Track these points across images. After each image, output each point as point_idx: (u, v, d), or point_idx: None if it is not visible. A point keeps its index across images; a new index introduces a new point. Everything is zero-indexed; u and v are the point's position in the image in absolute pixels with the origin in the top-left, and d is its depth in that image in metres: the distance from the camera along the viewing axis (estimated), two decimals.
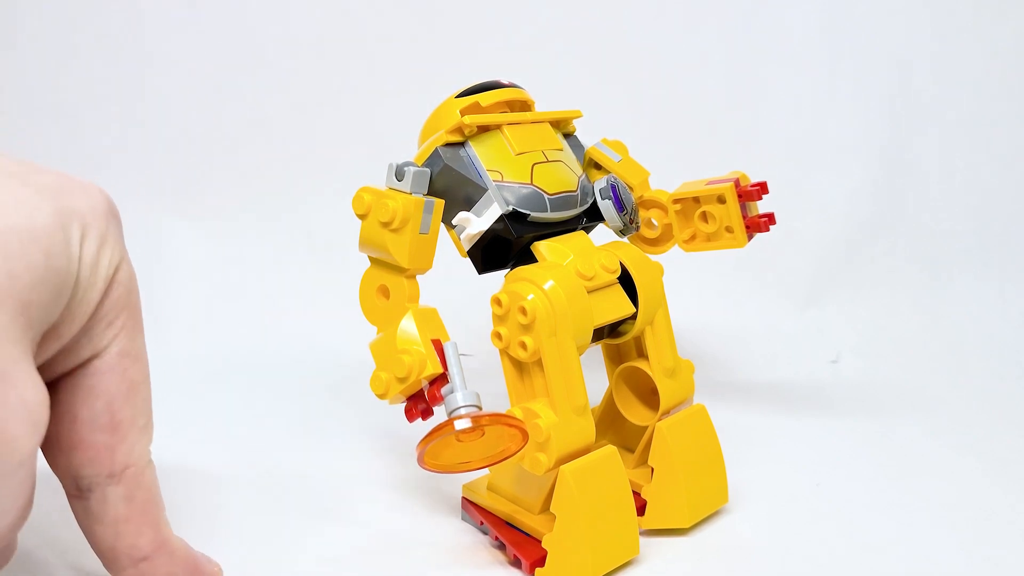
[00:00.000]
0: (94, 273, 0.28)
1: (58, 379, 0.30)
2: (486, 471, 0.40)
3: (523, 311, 0.37)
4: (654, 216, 0.48)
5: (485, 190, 0.40)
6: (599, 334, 0.42)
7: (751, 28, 0.81)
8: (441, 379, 0.38)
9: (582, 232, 0.43)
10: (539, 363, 0.37)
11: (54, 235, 0.27)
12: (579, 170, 0.44)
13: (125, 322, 0.30)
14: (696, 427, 0.43)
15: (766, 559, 0.41)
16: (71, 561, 0.38)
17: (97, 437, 0.30)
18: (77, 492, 0.31)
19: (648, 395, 0.44)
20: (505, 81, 0.44)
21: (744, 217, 0.46)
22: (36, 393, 0.26)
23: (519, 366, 0.39)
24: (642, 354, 0.43)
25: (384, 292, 0.41)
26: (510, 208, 0.40)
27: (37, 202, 0.27)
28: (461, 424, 0.34)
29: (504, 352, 0.39)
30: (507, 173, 0.40)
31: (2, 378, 0.25)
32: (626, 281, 0.41)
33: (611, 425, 0.47)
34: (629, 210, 0.44)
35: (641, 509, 0.42)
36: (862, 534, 0.43)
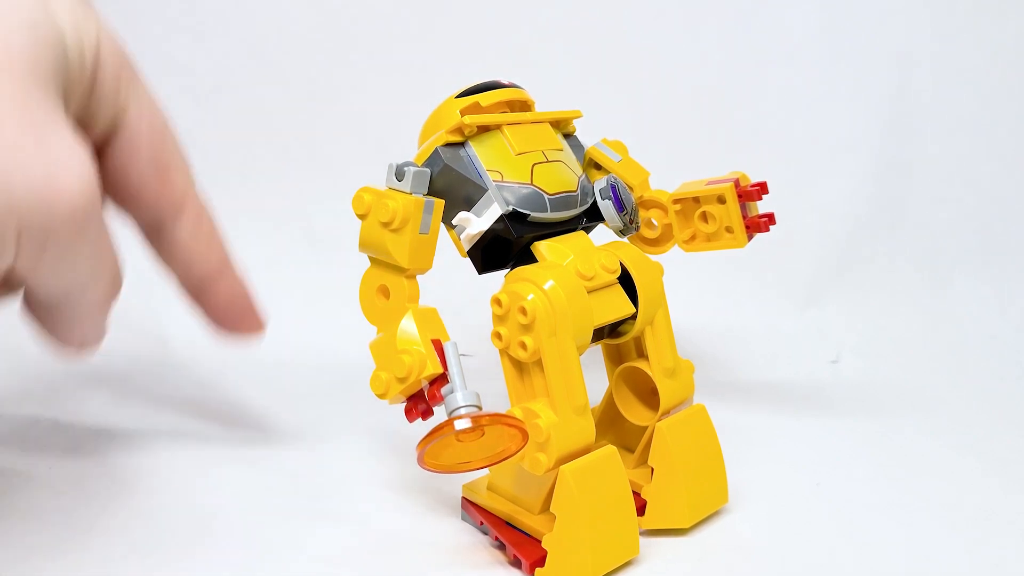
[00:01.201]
0: (77, 34, 0.31)
1: (100, 155, 0.34)
2: (486, 471, 0.40)
3: (523, 311, 0.37)
4: (654, 216, 0.48)
5: (485, 190, 0.40)
6: (599, 334, 0.42)
7: (751, 28, 0.81)
8: (441, 379, 0.38)
9: (582, 232, 0.43)
10: (539, 363, 0.37)
11: (35, 8, 0.30)
12: (579, 170, 0.44)
13: (127, 78, 0.34)
14: (696, 427, 0.43)
15: (766, 559, 0.41)
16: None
17: (150, 183, 0.35)
18: (151, 233, 0.36)
19: (648, 395, 0.44)
20: (505, 81, 0.44)
21: (744, 217, 0.46)
22: (75, 146, 0.29)
23: (519, 366, 0.39)
24: (642, 354, 0.43)
25: (384, 292, 0.41)
26: (510, 208, 0.40)
27: None
28: (461, 424, 0.34)
29: (504, 352, 0.38)
30: (507, 173, 0.40)
31: (41, 128, 0.28)
32: (626, 281, 0.41)
33: (611, 425, 0.47)
34: (629, 210, 0.44)
35: (641, 509, 0.42)
36: (862, 534, 0.43)
